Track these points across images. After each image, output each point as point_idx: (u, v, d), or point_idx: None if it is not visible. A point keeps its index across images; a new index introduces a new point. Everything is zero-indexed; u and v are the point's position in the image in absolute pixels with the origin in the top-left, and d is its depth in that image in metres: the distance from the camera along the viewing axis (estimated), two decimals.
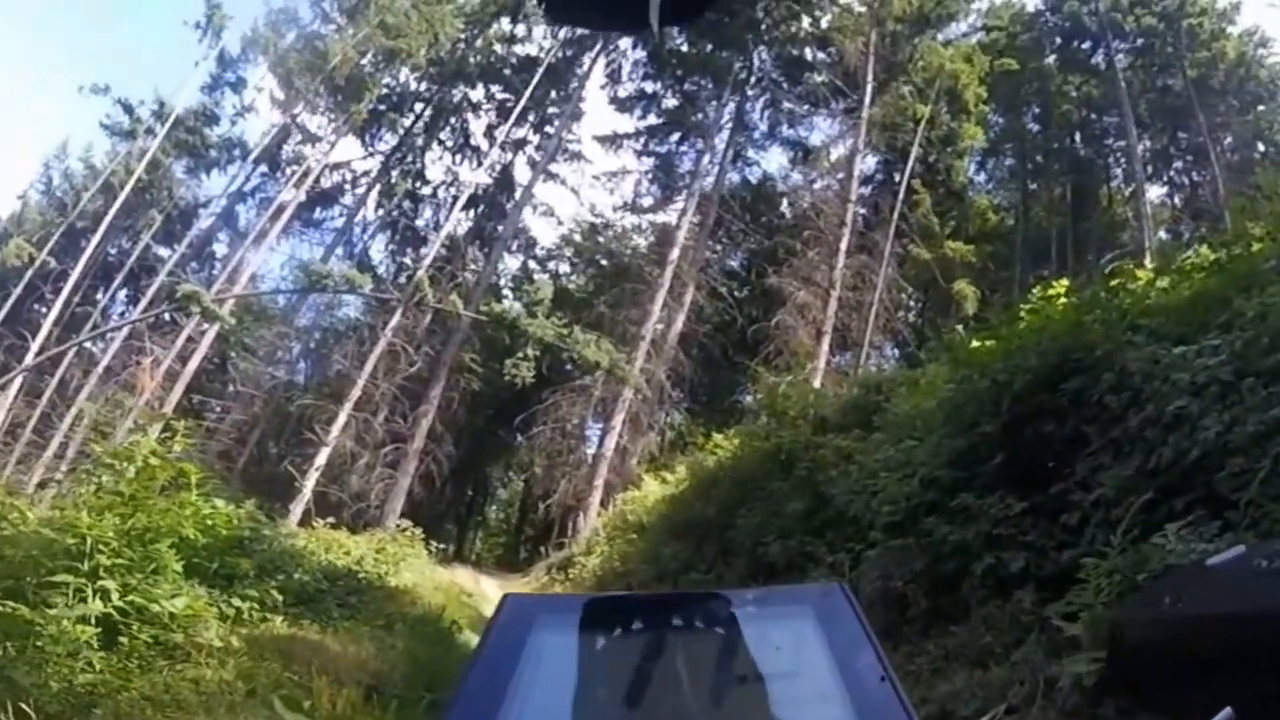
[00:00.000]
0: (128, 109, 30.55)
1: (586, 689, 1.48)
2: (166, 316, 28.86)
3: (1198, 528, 4.89)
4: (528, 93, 32.76)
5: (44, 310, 29.17)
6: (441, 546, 24.33)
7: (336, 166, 35.47)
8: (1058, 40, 36.95)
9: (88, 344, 28.63)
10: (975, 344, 8.67)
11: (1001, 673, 5.78)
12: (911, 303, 36.05)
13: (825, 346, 26.90)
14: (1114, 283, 8.21)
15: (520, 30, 35.44)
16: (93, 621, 6.44)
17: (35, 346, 26.02)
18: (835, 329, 28.11)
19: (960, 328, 15.44)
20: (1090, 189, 35.84)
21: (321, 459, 25.77)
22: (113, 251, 32.03)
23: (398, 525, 23.76)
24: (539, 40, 35.40)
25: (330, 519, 21.64)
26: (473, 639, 9.97)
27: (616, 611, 1.78)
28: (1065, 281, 8.94)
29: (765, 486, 11.60)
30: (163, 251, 32.65)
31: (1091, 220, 34.41)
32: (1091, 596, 5.05)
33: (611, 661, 1.53)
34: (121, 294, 32.36)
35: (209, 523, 8.89)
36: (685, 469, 17.88)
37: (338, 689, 6.91)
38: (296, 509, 24.26)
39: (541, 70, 33.33)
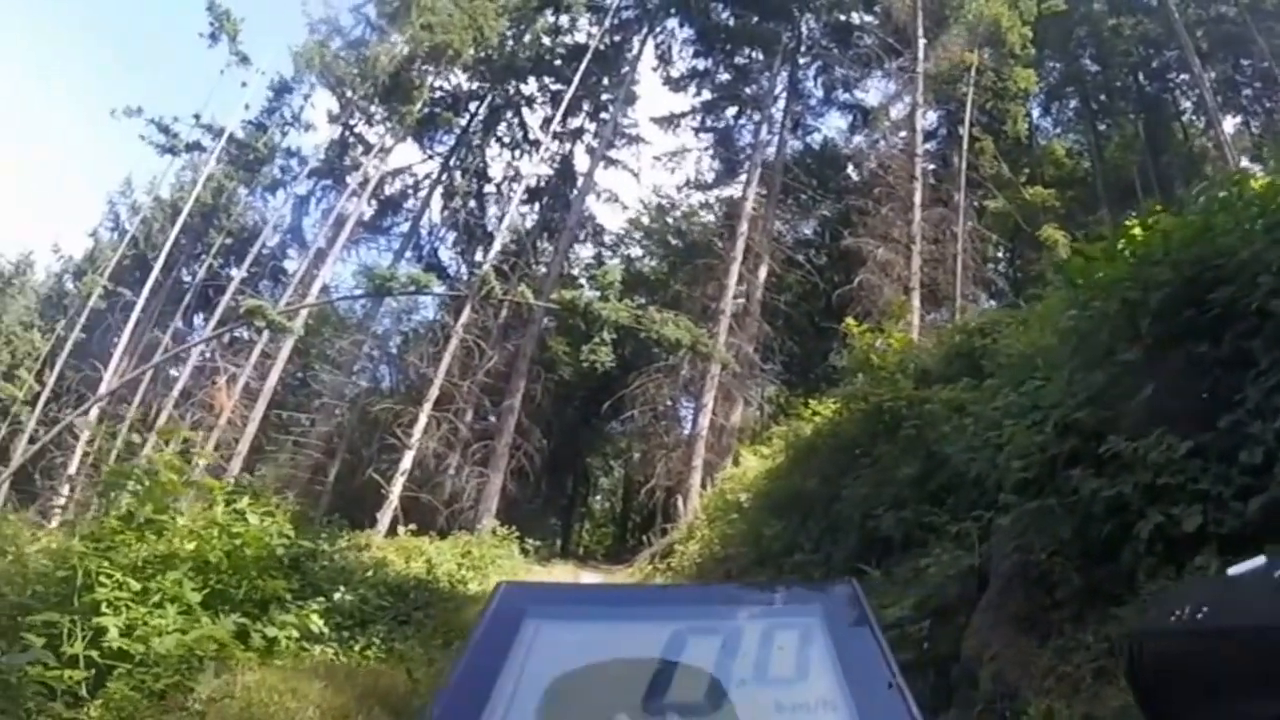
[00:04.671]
0: (163, 129, 30.67)
1: (578, 684, 1.31)
2: (239, 334, 28.89)
3: None
4: (576, 80, 31.68)
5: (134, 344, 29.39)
6: (536, 544, 23.31)
7: (398, 172, 35.12)
8: None
9: (165, 369, 28.59)
10: (1097, 258, 6.98)
11: None
12: (999, 254, 34.20)
13: (916, 303, 25.05)
14: (1224, 194, 6.48)
15: (565, 21, 34.61)
16: (81, 665, 5.47)
17: (108, 375, 26.06)
18: (923, 285, 26.25)
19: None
20: (1162, 124, 33.70)
21: (406, 463, 25.01)
22: (187, 278, 32.15)
23: (492, 528, 23.14)
24: (585, 28, 34.68)
25: (413, 526, 20.78)
26: None
27: (613, 603, 1.74)
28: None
29: (870, 451, 10.01)
30: (235, 273, 32.62)
31: (1169, 155, 32.22)
32: None
33: (606, 655, 1.38)
34: (198, 318, 32.51)
35: (236, 543, 7.83)
36: (781, 440, 15.99)
37: None
38: (385, 517, 23.55)
39: (589, 57, 32.25)
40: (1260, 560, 1.35)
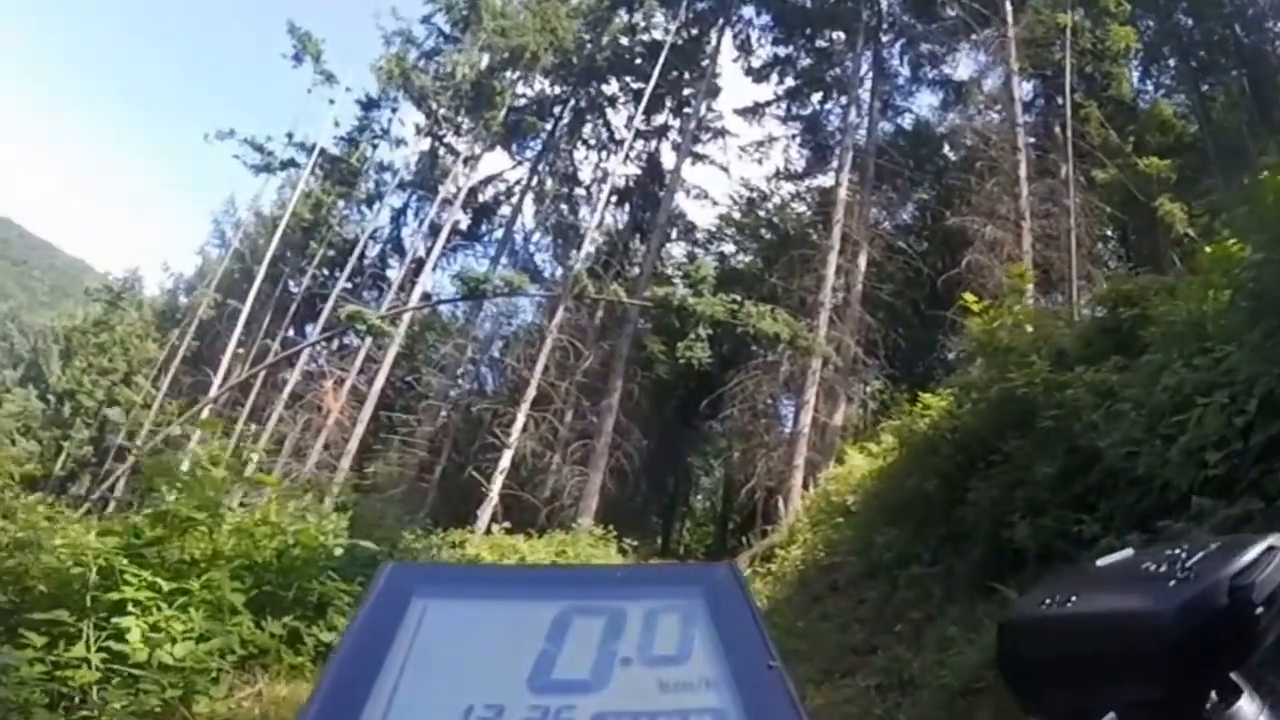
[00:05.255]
0: (258, 148, 31.34)
1: (465, 662, 1.19)
2: (348, 342, 29.28)
3: None
4: (654, 75, 30.70)
5: (236, 350, 30.01)
6: (635, 543, 22.45)
7: (489, 180, 35.03)
8: None
9: (275, 375, 29.12)
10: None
11: None
12: (1109, 232, 31.41)
13: (1029, 284, 23.12)
14: None
15: (639, 19, 33.75)
16: (92, 666, 4.92)
17: (217, 379, 26.58)
18: (1035, 265, 24.19)
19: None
20: (1267, 78, 30.40)
21: (505, 462, 24.56)
22: (295, 290, 32.60)
23: (590, 527, 22.48)
24: (661, 24, 33.63)
25: (507, 524, 20.24)
26: None
27: (501, 583, 1.44)
28: None
29: (999, 448, 8.38)
30: (338, 283, 33.16)
31: (1279, 111, 28.94)
32: None
33: (493, 634, 1.24)
34: (307, 328, 32.93)
35: (289, 542, 7.08)
36: (892, 436, 14.21)
37: None
38: (485, 514, 23.12)
39: (665, 52, 31.23)
40: (1128, 552, 1.23)
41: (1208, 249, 7.46)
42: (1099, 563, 1.33)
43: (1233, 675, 1.03)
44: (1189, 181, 28.28)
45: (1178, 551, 1.08)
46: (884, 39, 33.00)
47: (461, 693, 1.15)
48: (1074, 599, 1.23)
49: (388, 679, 1.14)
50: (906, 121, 34.66)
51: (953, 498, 9.29)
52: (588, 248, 30.49)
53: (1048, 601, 1.26)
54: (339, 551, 7.42)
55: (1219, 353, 5.99)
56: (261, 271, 29.82)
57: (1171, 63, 33.88)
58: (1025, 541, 7.31)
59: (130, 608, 5.40)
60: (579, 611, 1.30)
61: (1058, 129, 27.94)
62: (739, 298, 25.08)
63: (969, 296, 11.14)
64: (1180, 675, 1.03)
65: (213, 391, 27.16)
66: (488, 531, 21.65)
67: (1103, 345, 8.71)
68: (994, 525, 8.02)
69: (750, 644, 1.24)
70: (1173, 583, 1.06)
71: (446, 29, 31.70)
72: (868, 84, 32.47)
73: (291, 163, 32.22)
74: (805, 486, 23.76)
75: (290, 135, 31.66)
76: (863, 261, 28.49)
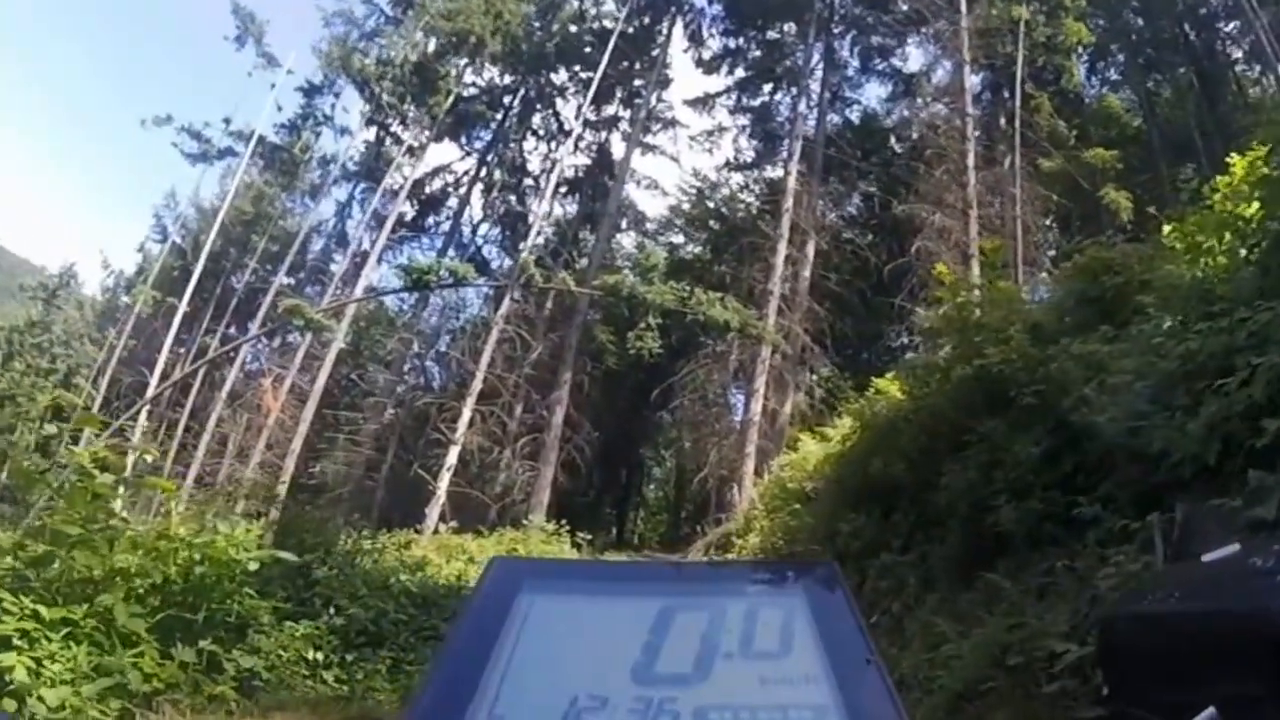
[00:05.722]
0: (195, 135, 29.87)
1: (571, 654, 1.33)
2: (292, 339, 28.00)
3: None
4: (603, 64, 29.94)
5: (177, 349, 28.54)
6: (589, 537, 21.69)
7: (437, 171, 34.06)
8: None
9: (215, 374, 27.86)
10: None
11: None
12: (1051, 224, 31.34)
13: (977, 272, 22.80)
14: None
15: (590, 6, 33.18)
16: None
17: (154, 380, 25.18)
18: (981, 252, 23.98)
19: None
20: (1215, 75, 30.82)
21: (452, 458, 23.63)
22: (238, 286, 31.15)
23: (540, 523, 21.66)
24: (612, 13, 32.81)
25: (454, 524, 19.37)
26: None
27: (606, 577, 1.70)
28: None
29: (974, 428, 7.69)
30: (287, 280, 31.75)
31: (1225, 107, 29.18)
32: None
33: (597, 627, 1.40)
34: (250, 325, 31.56)
35: (194, 556, 6.13)
36: (852, 418, 13.47)
37: None
38: (432, 513, 22.12)
39: (616, 40, 30.41)
40: (1235, 548, 1.37)
41: (1214, 202, 6.92)
42: (1205, 558, 1.43)
43: None
44: (1133, 172, 28.39)
45: None
46: (835, 31, 32.63)
47: (567, 684, 1.20)
48: (1177, 595, 1.41)
49: (495, 671, 1.20)
50: (855, 114, 34.54)
51: (922, 481, 8.64)
52: (536, 238, 29.71)
53: (1151, 598, 1.49)
54: (254, 565, 6.46)
55: (1239, 315, 5.38)
56: (199, 267, 28.42)
57: (1120, 58, 34.13)
58: (1010, 525, 6.68)
59: (17, 640, 4.52)
60: (682, 607, 1.37)
61: (1003, 121, 27.84)
62: (689, 285, 24.40)
63: (942, 268, 10.54)
64: None
65: (150, 392, 25.76)
66: (437, 531, 20.67)
67: (1084, 316, 8.12)
68: (972, 509, 7.38)
69: (849, 640, 1.30)
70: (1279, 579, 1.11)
71: (388, 10, 30.67)
72: (818, 75, 32.09)
73: (230, 151, 30.84)
74: (758, 474, 23.34)
75: (228, 121, 30.19)
76: (811, 251, 28.07)
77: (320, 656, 6.87)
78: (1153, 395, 5.85)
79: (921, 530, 8.45)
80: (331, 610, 7.89)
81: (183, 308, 27.99)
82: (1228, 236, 6.78)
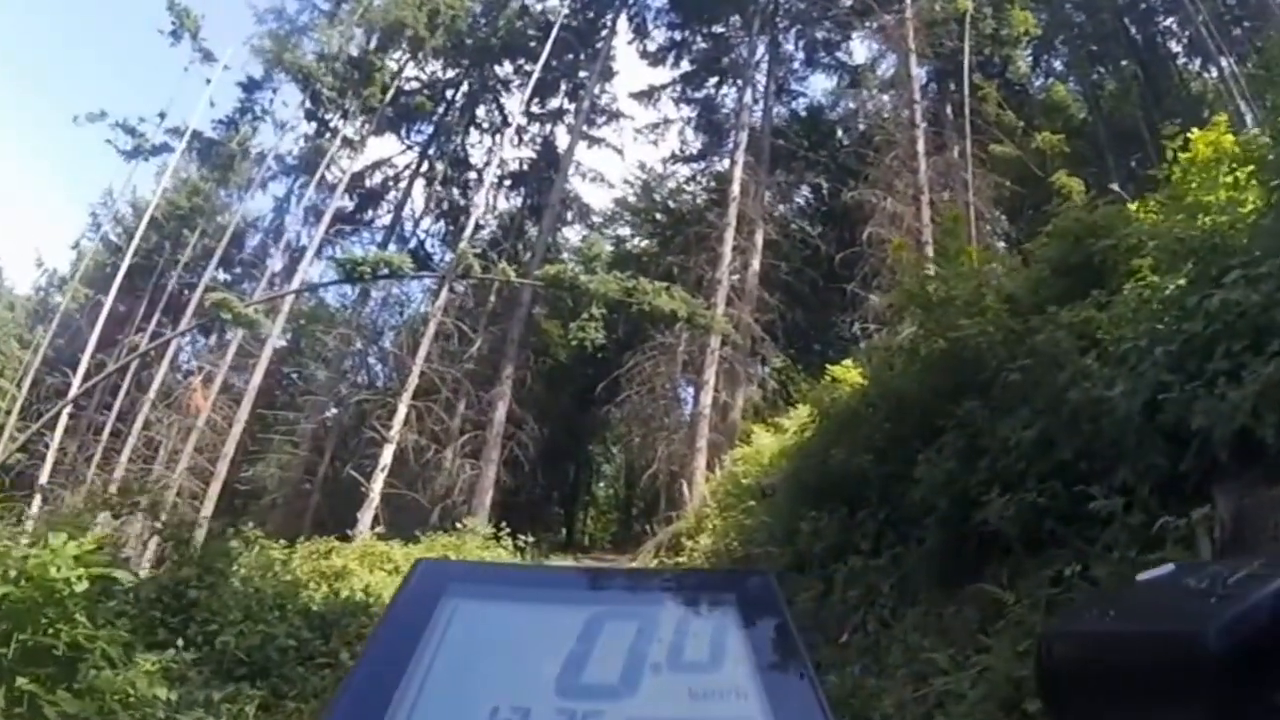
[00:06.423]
0: (129, 130, 27.95)
1: (494, 663, 1.24)
2: (227, 336, 26.39)
3: None
4: (544, 56, 28.91)
5: (105, 348, 26.64)
6: (533, 539, 20.13)
7: (377, 165, 32.50)
8: None
9: (143, 374, 26.08)
10: None
11: None
12: (1000, 214, 30.82)
13: (930, 255, 22.00)
14: None
15: (534, 2, 31.95)
16: None
17: (76, 380, 23.33)
18: (935, 240, 23.26)
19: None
20: (1157, 68, 30.88)
21: (386, 458, 22.05)
22: (171, 284, 29.31)
23: (475, 525, 20.22)
24: (556, 5, 31.51)
25: (379, 529, 17.99)
26: None
27: (534, 583, 1.58)
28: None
29: (950, 412, 6.64)
30: (223, 276, 29.97)
31: (1169, 100, 28.88)
32: None
33: (523, 635, 1.31)
34: (185, 322, 29.87)
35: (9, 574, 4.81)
36: (810, 406, 12.16)
37: None
38: (365, 517, 20.57)
39: (559, 32, 29.32)
40: (1169, 568, 1.27)
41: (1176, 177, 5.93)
42: (1139, 578, 1.36)
43: (1278, 696, 0.94)
44: (1081, 164, 27.93)
45: (1220, 569, 1.03)
46: (780, 25, 31.82)
47: (488, 694, 1.13)
48: (1113, 614, 1.28)
49: (414, 679, 1.11)
50: (801, 106, 33.98)
51: (892, 474, 7.47)
52: (479, 231, 28.58)
53: (1088, 616, 1.39)
54: (81, 587, 5.06)
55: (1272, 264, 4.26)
56: (126, 262, 26.61)
57: (1063, 51, 33.80)
58: (1002, 524, 5.48)
59: None
60: (611, 615, 1.30)
61: (951, 112, 27.23)
62: (635, 276, 23.18)
63: (897, 241, 9.44)
64: (1221, 695, 0.97)
65: (71, 393, 23.87)
66: (378, 535, 19.23)
67: (1067, 285, 6.98)
68: (953, 505, 6.21)
69: (783, 653, 1.24)
70: (1214, 600, 1.00)
71: (322, 4, 29.16)
72: (764, 68, 31.34)
73: (165, 147, 28.98)
74: (710, 469, 22.40)
75: (163, 116, 28.30)
76: (759, 240, 27.11)
77: (173, 696, 5.51)
78: (1174, 363, 4.73)
79: (893, 529, 7.27)
80: (199, 638, 6.52)
81: (109, 303, 26.15)
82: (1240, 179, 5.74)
